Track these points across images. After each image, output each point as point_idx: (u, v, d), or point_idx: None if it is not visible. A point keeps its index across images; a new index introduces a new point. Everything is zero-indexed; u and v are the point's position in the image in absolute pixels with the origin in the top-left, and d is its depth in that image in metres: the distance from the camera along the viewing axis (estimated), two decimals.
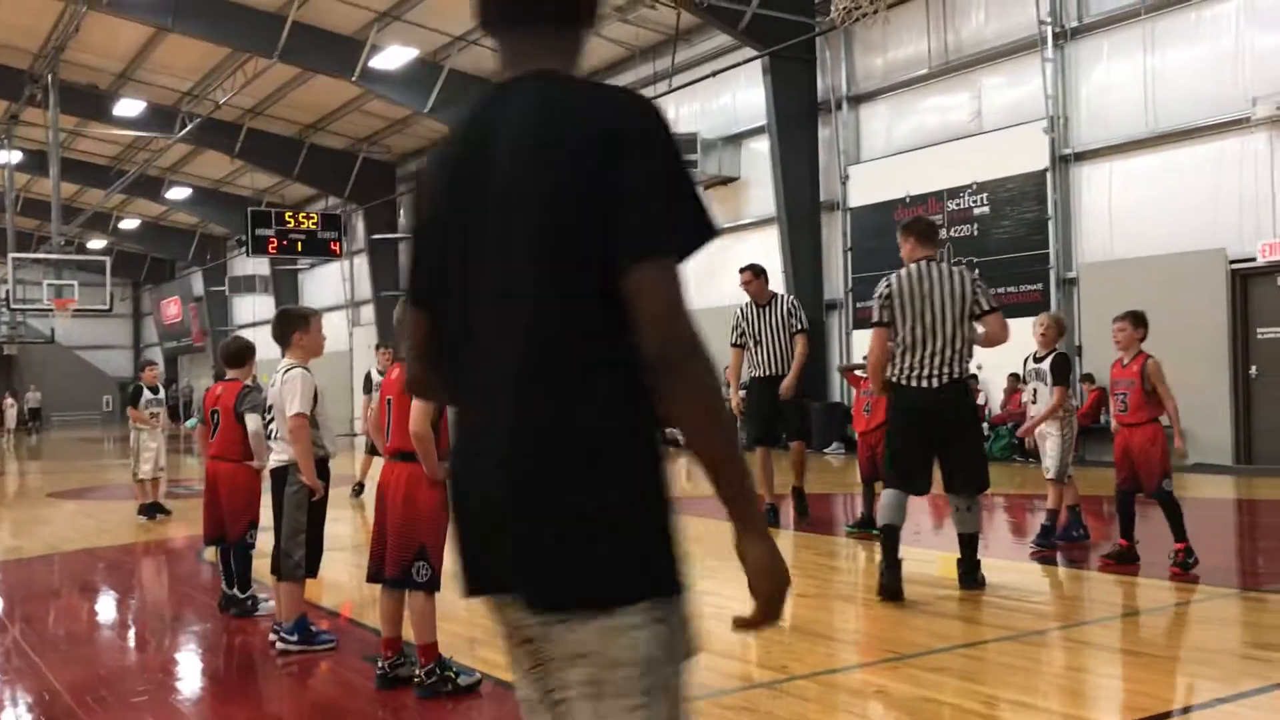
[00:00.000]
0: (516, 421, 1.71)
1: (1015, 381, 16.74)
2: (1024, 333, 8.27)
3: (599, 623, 1.67)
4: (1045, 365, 7.97)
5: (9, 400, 37.52)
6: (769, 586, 1.72)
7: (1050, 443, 8.01)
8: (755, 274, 9.36)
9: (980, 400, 16.86)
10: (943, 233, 16.70)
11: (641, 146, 1.71)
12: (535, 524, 1.69)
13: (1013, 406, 17.21)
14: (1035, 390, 8.07)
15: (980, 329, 6.49)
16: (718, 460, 1.69)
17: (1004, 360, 13.76)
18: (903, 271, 6.49)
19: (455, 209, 1.85)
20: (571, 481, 1.68)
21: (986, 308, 6.39)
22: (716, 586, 7.17)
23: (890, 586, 6.19)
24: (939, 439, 6.42)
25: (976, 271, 6.53)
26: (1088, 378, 14.89)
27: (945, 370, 6.31)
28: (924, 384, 6.34)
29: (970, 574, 6.54)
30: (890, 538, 6.33)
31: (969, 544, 6.59)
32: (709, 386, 1.68)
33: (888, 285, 6.49)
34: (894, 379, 6.49)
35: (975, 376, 6.11)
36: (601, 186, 1.68)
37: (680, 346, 1.66)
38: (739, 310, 9.50)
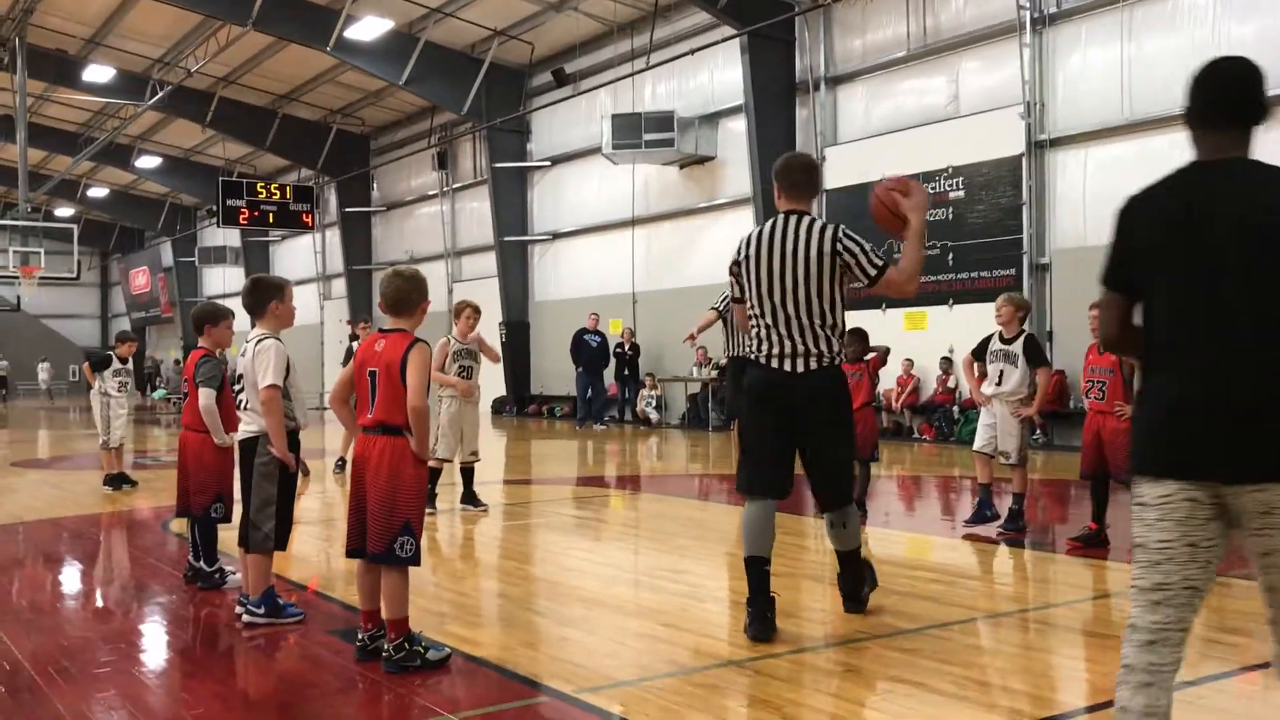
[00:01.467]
0: (1268, 378, 2.67)
1: (947, 365, 16.81)
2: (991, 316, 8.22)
3: None
4: (1016, 347, 7.89)
5: None
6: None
7: (1010, 426, 7.92)
8: None
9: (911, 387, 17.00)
10: None
11: None
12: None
13: (937, 397, 17.30)
14: (1002, 372, 7.90)
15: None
16: None
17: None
18: (759, 228, 5.44)
19: (1190, 236, 2.77)
20: None
21: (874, 272, 5.12)
22: (690, 565, 7.22)
23: (756, 626, 5.07)
24: (798, 432, 5.23)
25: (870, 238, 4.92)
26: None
27: (802, 349, 5.15)
28: (774, 364, 5.21)
29: (854, 594, 5.58)
30: (755, 572, 5.15)
31: (848, 561, 5.54)
32: None
33: (742, 245, 5.42)
34: (749, 355, 5.43)
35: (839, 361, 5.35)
36: None
37: None
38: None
